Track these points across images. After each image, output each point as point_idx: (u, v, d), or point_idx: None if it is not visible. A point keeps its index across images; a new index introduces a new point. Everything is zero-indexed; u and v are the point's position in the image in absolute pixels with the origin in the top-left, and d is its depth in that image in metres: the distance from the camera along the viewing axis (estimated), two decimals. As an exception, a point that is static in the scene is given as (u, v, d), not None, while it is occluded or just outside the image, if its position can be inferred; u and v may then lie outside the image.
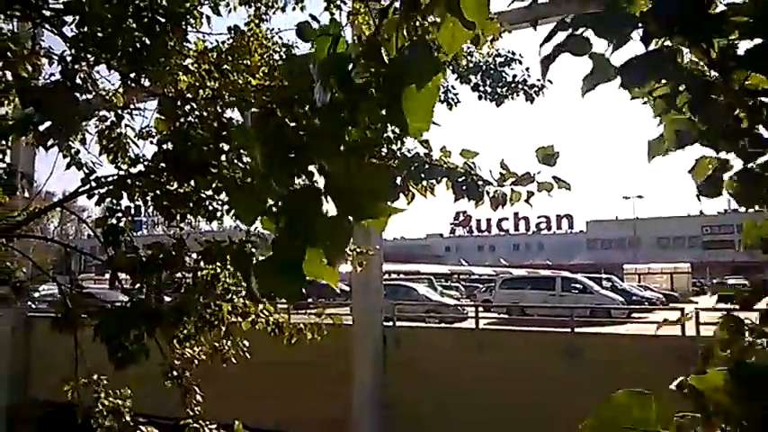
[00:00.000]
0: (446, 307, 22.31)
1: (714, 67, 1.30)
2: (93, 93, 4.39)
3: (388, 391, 14.47)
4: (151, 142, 4.91)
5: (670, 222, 69.70)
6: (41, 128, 3.24)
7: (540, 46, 1.36)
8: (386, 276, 21.25)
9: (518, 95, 7.08)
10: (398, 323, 15.71)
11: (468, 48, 6.39)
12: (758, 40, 1.21)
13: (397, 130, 4.26)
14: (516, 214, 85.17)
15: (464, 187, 3.77)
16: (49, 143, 3.78)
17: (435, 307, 22.04)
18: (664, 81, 1.40)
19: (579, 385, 12.07)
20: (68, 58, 3.93)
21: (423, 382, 13.79)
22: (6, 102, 4.40)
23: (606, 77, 1.34)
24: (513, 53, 7.06)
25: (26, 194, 4.49)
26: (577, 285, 23.24)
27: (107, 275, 4.54)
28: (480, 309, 17.91)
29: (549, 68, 1.37)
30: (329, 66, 1.12)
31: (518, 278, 28.60)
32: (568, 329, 14.06)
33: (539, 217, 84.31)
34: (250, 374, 12.33)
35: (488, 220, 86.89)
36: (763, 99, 1.31)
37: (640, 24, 1.26)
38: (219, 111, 4.53)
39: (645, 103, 1.52)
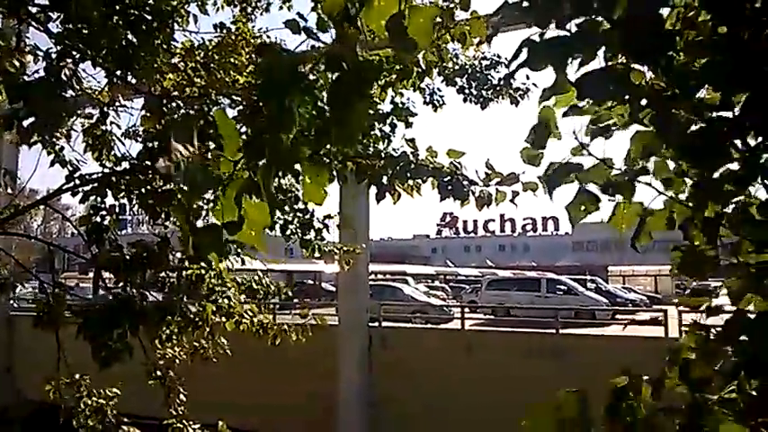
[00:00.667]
0: (432, 307, 22.36)
1: (672, 83, 1.34)
2: (79, 90, 4.37)
3: (373, 391, 14.49)
4: (137, 140, 4.89)
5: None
6: (25, 123, 3.22)
7: (509, 62, 1.43)
8: (372, 277, 21.23)
9: (503, 98, 7.11)
10: (384, 323, 15.72)
11: (455, 50, 6.42)
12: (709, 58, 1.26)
13: (386, 129, 4.28)
14: (502, 216, 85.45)
15: (450, 187, 3.79)
16: (33, 139, 3.76)
17: (421, 307, 22.08)
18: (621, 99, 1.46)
19: (563, 385, 12.14)
20: (53, 55, 3.90)
21: (408, 381, 13.82)
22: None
23: (563, 90, 1.43)
24: (499, 56, 7.09)
25: (9, 191, 4.45)
26: (562, 287, 23.40)
27: (91, 274, 4.50)
28: (466, 310, 17.96)
29: (512, 80, 1.47)
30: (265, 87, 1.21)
31: (504, 279, 28.71)
32: (553, 330, 14.15)
33: (524, 219, 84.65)
34: (234, 374, 12.30)
35: (475, 222, 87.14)
36: (720, 113, 1.35)
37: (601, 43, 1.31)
38: (206, 109, 4.53)
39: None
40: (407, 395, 13.75)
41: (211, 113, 4.55)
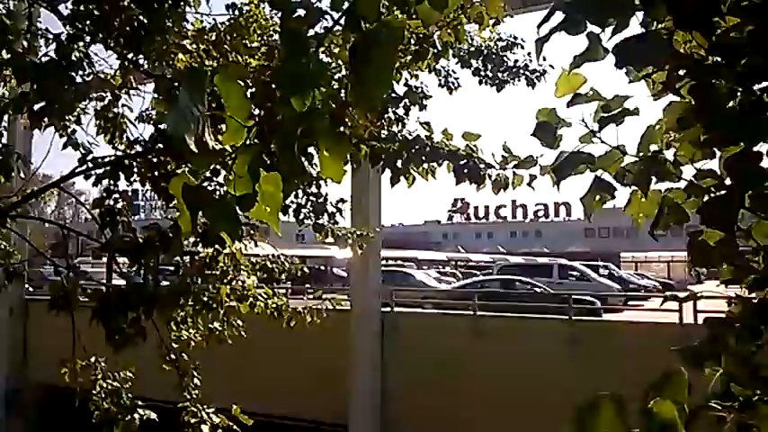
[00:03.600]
0: (444, 293, 22.36)
1: (714, 51, 1.27)
2: (90, 72, 4.33)
3: (386, 374, 14.52)
4: (149, 124, 4.86)
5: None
6: (36, 107, 3.19)
7: (538, 27, 1.35)
8: (383, 262, 21.23)
9: (519, 80, 7.02)
10: (396, 309, 15.72)
11: (470, 32, 6.32)
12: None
13: (400, 112, 4.21)
14: (514, 202, 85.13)
15: (465, 170, 3.73)
16: (44, 123, 3.73)
17: (432, 293, 22.08)
18: (662, 66, 1.39)
19: (576, 370, 12.12)
20: (64, 38, 3.87)
21: (421, 365, 13.83)
22: (2, 83, 4.35)
23: (597, 57, 1.36)
24: (515, 38, 6.99)
25: (22, 175, 4.44)
26: (574, 273, 23.32)
27: (104, 259, 4.50)
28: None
29: (543, 49, 1.39)
30: (287, 34, 1.12)
31: (515, 265, 28.67)
32: (566, 316, 14.09)
33: (536, 204, 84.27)
34: (244, 360, 12.36)
35: (486, 208, 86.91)
36: (764, 83, 1.28)
37: (639, 6, 1.24)
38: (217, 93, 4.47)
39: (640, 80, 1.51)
40: (419, 377, 13.76)
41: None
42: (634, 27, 1.23)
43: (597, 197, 1.61)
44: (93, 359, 4.53)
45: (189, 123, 0.96)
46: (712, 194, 1.44)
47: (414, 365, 13.99)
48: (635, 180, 1.56)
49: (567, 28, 1.22)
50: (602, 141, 1.58)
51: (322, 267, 35.19)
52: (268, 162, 1.06)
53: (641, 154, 1.56)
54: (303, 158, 1.13)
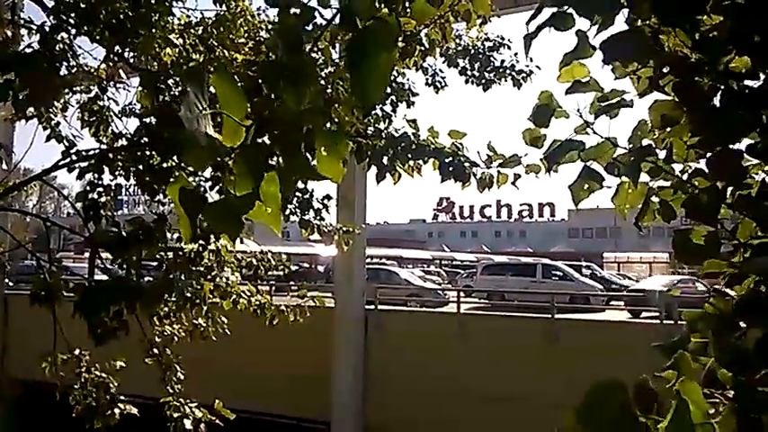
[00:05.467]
0: (428, 291, 22.39)
1: (698, 49, 1.30)
2: (74, 64, 4.30)
3: (369, 372, 14.54)
4: (134, 117, 4.83)
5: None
6: (21, 95, 3.16)
7: (527, 23, 1.37)
8: (367, 260, 21.23)
9: (506, 81, 7.05)
10: (380, 307, 15.74)
11: (457, 31, 6.35)
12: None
13: (387, 109, 4.23)
14: (499, 201, 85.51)
15: (451, 168, 3.75)
16: (29, 114, 3.69)
17: (417, 291, 22.11)
18: (647, 62, 1.42)
19: (557, 368, 12.22)
20: (48, 29, 3.83)
21: (404, 364, 13.87)
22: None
23: (586, 54, 1.39)
24: (502, 38, 7.02)
25: (4, 166, 4.39)
26: (558, 272, 23.44)
27: (86, 254, 4.46)
28: (462, 294, 17.99)
29: (532, 45, 1.42)
30: (282, 31, 1.12)
31: (499, 264, 28.78)
32: (548, 315, 14.19)
33: (521, 204, 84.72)
34: (225, 357, 12.31)
35: (471, 207, 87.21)
36: (746, 82, 1.31)
37: (625, 3, 1.27)
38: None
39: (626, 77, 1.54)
40: (403, 377, 13.80)
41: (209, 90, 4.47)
42: (620, 25, 1.26)
43: (586, 186, 1.64)
44: (76, 352, 4.49)
45: (201, 120, 0.96)
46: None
47: (397, 363, 14.02)
48: (625, 171, 1.59)
49: (556, 24, 1.24)
50: (595, 132, 1.61)
51: (306, 265, 35.12)
52: (268, 162, 1.06)
53: (632, 146, 1.59)
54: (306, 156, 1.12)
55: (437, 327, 14.76)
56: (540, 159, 1.94)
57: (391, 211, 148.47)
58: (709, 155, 1.39)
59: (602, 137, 1.66)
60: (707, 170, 1.41)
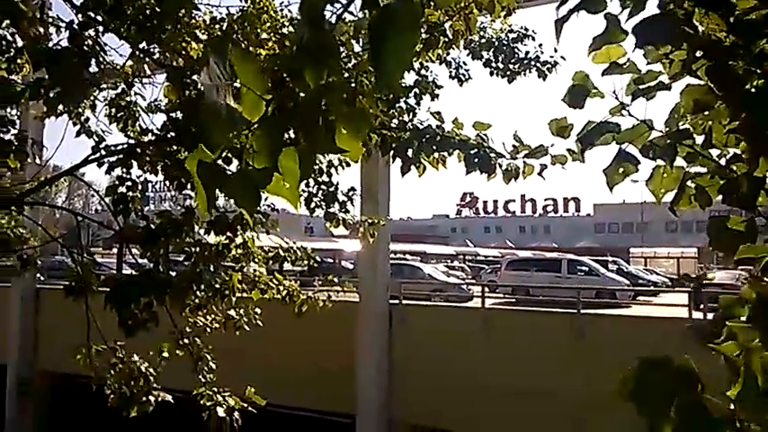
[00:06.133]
0: (451, 287, 22.33)
1: (733, 32, 1.27)
2: (102, 61, 4.36)
3: (393, 366, 14.56)
4: (161, 112, 4.89)
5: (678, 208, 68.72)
6: (52, 93, 3.21)
7: (558, 8, 1.36)
8: (391, 256, 21.23)
9: (530, 72, 6.99)
10: (404, 302, 15.74)
11: (481, 23, 6.31)
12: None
13: (411, 102, 4.22)
14: (523, 196, 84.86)
15: (476, 160, 3.73)
16: (59, 110, 3.76)
17: (440, 287, 22.07)
18: (680, 46, 1.39)
19: (582, 364, 12.11)
20: (76, 26, 3.89)
21: (428, 358, 13.85)
22: (18, 69, 4.38)
23: (617, 38, 1.37)
24: (526, 29, 6.97)
25: (37, 161, 4.48)
26: (583, 268, 23.19)
27: (115, 249, 4.54)
28: (486, 289, 17.90)
29: (562, 30, 1.39)
30: (305, 7, 1.12)
31: (524, 260, 28.55)
32: (574, 311, 14.05)
33: (546, 199, 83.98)
34: (254, 350, 12.42)
35: (495, 202, 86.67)
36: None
37: None
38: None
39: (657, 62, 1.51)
40: (427, 371, 13.79)
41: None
42: (652, 8, 1.24)
43: (620, 169, 1.61)
44: (109, 344, 4.57)
45: (221, 90, 0.97)
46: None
47: (421, 357, 14.01)
48: (661, 154, 1.56)
49: (587, 7, 1.22)
50: (631, 115, 1.58)
51: (330, 260, 35.27)
52: (287, 138, 1.06)
53: (668, 129, 1.56)
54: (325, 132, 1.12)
55: (461, 322, 14.71)
56: (576, 142, 1.89)
57: (414, 207, 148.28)
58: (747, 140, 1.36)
59: (637, 119, 1.63)
60: (745, 156, 1.39)
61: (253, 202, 1.07)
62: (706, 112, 1.40)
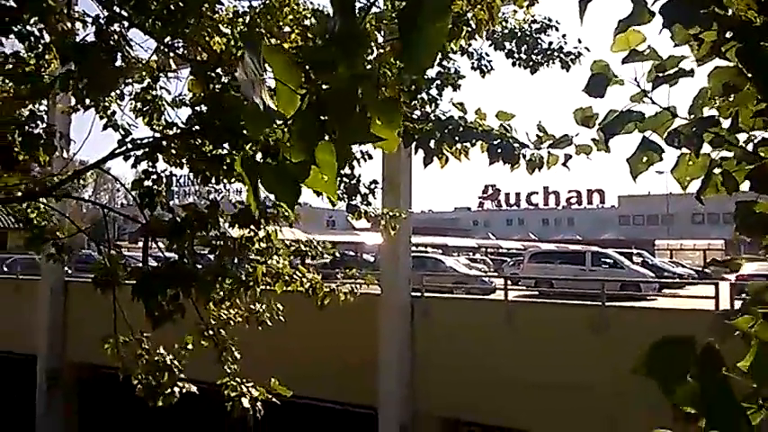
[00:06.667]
0: (473, 279, 22.26)
1: (764, 12, 1.24)
2: (128, 55, 4.41)
3: (415, 361, 14.57)
4: (186, 106, 4.94)
5: (704, 198, 67.60)
6: (79, 86, 3.26)
7: None
8: (413, 249, 21.23)
9: (554, 63, 6.93)
10: (426, 294, 15.73)
11: (504, 14, 6.26)
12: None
13: (433, 93, 4.21)
14: (546, 188, 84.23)
15: (499, 150, 3.70)
16: (87, 103, 3.82)
17: (462, 279, 22.02)
18: (709, 26, 1.36)
19: (607, 357, 12.00)
20: (102, 21, 3.94)
21: (451, 351, 13.84)
22: (46, 65, 4.45)
23: (643, 19, 1.34)
24: (550, 20, 6.90)
25: (64, 155, 4.56)
26: (608, 260, 22.95)
27: (140, 243, 4.61)
28: (509, 282, 17.82)
29: (586, 10, 1.37)
30: None
31: (547, 252, 28.36)
32: (598, 303, 13.92)
33: (569, 191, 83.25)
34: (276, 343, 12.53)
35: (517, 194, 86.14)
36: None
37: None
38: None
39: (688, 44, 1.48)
40: (449, 364, 13.79)
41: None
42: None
43: (644, 158, 1.59)
44: (136, 336, 4.64)
45: (257, 85, 0.98)
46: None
47: (443, 350, 14.01)
48: (687, 141, 1.53)
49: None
50: (654, 102, 1.56)
51: (352, 253, 35.38)
52: (323, 128, 1.07)
53: (693, 116, 1.53)
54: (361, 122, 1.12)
55: (484, 314, 14.67)
56: (597, 132, 1.87)
57: (436, 200, 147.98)
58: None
59: (660, 106, 1.60)
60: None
61: (292, 197, 1.07)
62: (732, 97, 1.37)
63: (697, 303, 14.54)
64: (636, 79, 1.55)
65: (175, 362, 4.45)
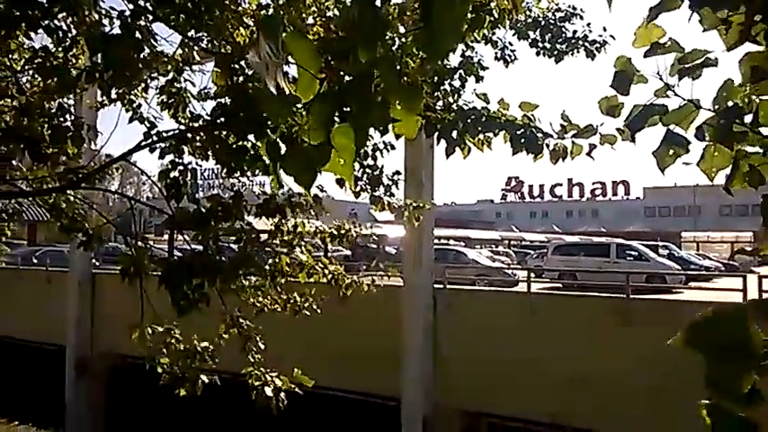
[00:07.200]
0: (496, 271, 22.18)
1: None
2: (153, 49, 4.46)
3: (438, 352, 14.59)
4: (211, 98, 4.99)
5: (733, 190, 66.35)
6: (105, 77, 3.32)
7: None
8: (435, 241, 21.21)
9: (578, 52, 6.85)
10: (449, 286, 15.72)
11: (528, 3, 6.20)
12: None
13: (455, 84, 4.19)
14: (570, 180, 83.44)
15: (522, 140, 3.67)
16: (113, 96, 3.88)
17: (485, 272, 21.95)
18: (738, 8, 1.34)
19: (631, 349, 11.90)
20: (127, 15, 4.00)
21: (473, 343, 13.83)
22: (74, 59, 4.53)
23: (673, 5, 1.33)
24: (574, 8, 6.82)
25: (92, 147, 4.64)
26: (633, 252, 22.69)
27: (166, 236, 4.68)
28: (532, 275, 17.72)
29: None
30: None
31: (571, 244, 28.10)
32: (623, 295, 13.79)
33: (593, 183, 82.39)
34: (298, 334, 12.64)
35: (541, 186, 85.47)
36: None
37: None
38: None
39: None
40: (472, 355, 13.79)
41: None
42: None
43: (671, 151, 1.58)
44: (163, 325, 4.71)
45: (271, 68, 0.99)
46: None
47: (466, 342, 14.00)
48: (715, 135, 1.52)
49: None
50: (677, 95, 1.55)
51: (374, 246, 35.41)
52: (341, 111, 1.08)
53: (717, 107, 1.52)
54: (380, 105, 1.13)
55: (507, 306, 14.62)
56: (622, 126, 1.87)
57: (459, 192, 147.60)
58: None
59: (684, 99, 1.59)
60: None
61: (309, 179, 1.09)
62: (757, 87, 1.35)
63: (725, 296, 14.32)
64: (658, 73, 1.54)
65: (207, 349, 4.51)
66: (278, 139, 1.07)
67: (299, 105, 1.07)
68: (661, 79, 1.65)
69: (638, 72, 1.71)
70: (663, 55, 1.61)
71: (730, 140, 1.58)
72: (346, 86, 1.07)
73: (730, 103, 1.58)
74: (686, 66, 1.60)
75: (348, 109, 1.08)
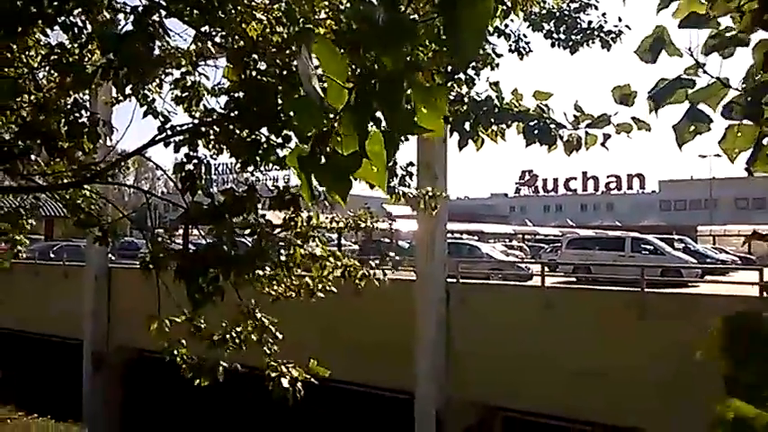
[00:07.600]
0: (510, 266, 22.10)
1: None
2: (166, 44, 4.49)
3: (451, 346, 14.58)
4: (224, 93, 5.01)
5: (750, 183, 66.07)
6: (120, 74, 3.35)
7: None
8: (448, 235, 21.18)
9: (593, 43, 6.79)
10: (462, 281, 15.69)
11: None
12: None
13: (469, 73, 4.16)
14: (585, 173, 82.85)
15: (536, 131, 3.65)
16: (127, 91, 3.91)
17: (499, 266, 21.88)
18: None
19: (646, 343, 11.83)
20: (140, 10, 4.03)
21: (487, 337, 13.81)
22: (89, 55, 4.57)
23: None
24: (588, -2, 6.76)
25: (108, 142, 4.68)
26: (648, 246, 22.50)
27: (181, 231, 4.71)
28: (546, 269, 17.63)
29: None
30: None
31: (586, 238, 27.90)
32: (638, 289, 13.69)
33: (608, 176, 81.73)
34: (311, 328, 12.67)
35: (555, 180, 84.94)
36: None
37: None
38: (288, 60, 4.55)
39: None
40: (486, 350, 13.76)
41: (293, 64, 4.57)
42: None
43: (692, 127, 1.54)
44: (185, 314, 4.74)
45: (313, 78, 0.99)
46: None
47: (480, 336, 13.98)
48: (743, 112, 1.48)
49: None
50: (706, 72, 1.51)
51: (387, 240, 35.43)
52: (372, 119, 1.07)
53: (745, 86, 1.49)
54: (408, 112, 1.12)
55: (521, 301, 14.57)
56: (647, 98, 1.81)
57: (473, 186, 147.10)
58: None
59: (712, 76, 1.55)
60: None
61: (344, 189, 1.08)
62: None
63: (741, 290, 14.18)
64: (690, 49, 1.51)
65: (239, 334, 4.53)
66: (310, 151, 1.05)
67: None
68: (691, 55, 1.60)
69: (673, 44, 1.65)
70: (698, 29, 1.57)
71: (758, 118, 1.54)
72: (376, 95, 1.06)
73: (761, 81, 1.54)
74: (716, 42, 1.56)
75: (378, 115, 1.07)
